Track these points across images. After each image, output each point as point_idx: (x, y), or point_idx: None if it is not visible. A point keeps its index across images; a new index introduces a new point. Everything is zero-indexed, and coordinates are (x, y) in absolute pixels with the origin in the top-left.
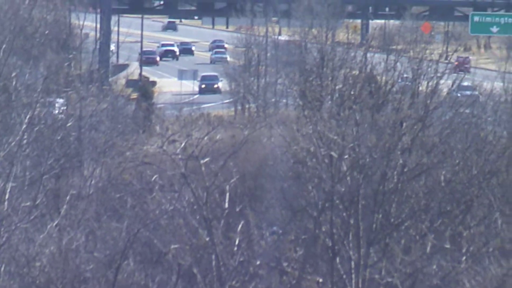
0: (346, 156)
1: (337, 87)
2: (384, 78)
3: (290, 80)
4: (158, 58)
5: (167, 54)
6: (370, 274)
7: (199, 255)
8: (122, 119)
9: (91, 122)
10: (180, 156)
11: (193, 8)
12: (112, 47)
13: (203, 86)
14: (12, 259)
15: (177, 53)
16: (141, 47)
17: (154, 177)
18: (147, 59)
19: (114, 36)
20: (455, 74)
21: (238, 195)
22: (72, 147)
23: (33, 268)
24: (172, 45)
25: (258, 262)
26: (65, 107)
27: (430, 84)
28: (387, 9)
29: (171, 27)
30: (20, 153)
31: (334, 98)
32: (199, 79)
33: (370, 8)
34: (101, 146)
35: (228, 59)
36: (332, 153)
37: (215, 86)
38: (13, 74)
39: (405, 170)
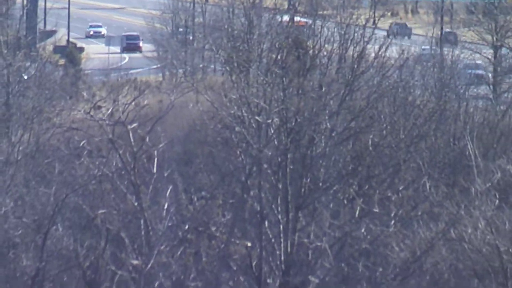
0: (273, 121)
1: (264, 53)
2: (310, 43)
3: (217, 46)
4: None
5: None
6: (298, 238)
7: (127, 220)
8: (49, 85)
9: (18, 88)
10: (107, 122)
11: None
12: None
13: (125, 45)
14: None
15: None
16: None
17: (81, 143)
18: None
19: (41, 3)
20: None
21: (166, 160)
22: None
23: None
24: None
25: (186, 227)
26: None
27: (357, 49)
28: None
29: None
30: None
31: (261, 63)
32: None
33: None
34: (28, 112)
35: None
36: (259, 118)
37: (138, 45)
38: None
39: (333, 134)
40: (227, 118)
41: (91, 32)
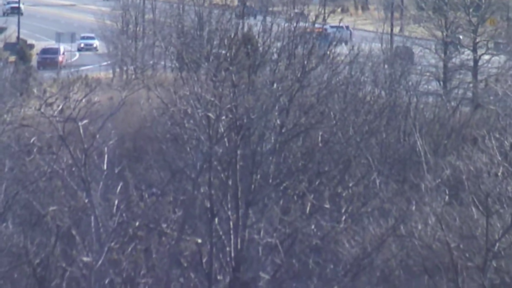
0: (223, 117)
1: (214, 49)
2: (261, 39)
3: (167, 42)
4: None
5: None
6: (249, 235)
7: (78, 217)
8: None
9: None
10: (58, 118)
11: None
12: None
13: (81, 45)
14: None
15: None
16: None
17: (32, 139)
18: None
19: None
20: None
21: (117, 157)
22: None
23: None
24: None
25: (137, 223)
26: None
27: (307, 45)
28: None
29: None
30: None
31: (211, 60)
32: (78, 41)
33: None
34: None
35: None
36: (210, 114)
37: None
38: None
39: (283, 130)
40: (177, 114)
41: (82, 45)
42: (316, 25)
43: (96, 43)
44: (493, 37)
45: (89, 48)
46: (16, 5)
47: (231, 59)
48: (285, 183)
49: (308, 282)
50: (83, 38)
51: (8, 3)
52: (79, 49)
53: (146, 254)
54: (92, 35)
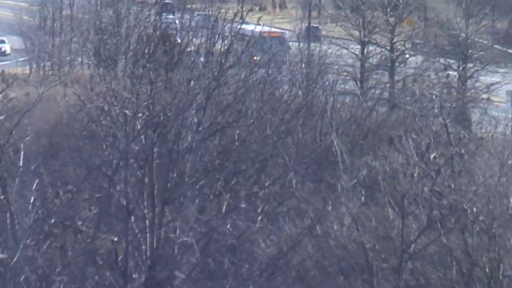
0: (140, 115)
1: (131, 46)
2: (178, 36)
3: (84, 39)
4: None
5: None
6: (164, 233)
7: None
8: None
9: None
10: None
11: None
12: None
13: None
14: None
15: None
16: None
17: None
18: None
19: None
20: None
21: (33, 153)
22: None
23: None
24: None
25: (52, 221)
26: None
27: (225, 43)
28: None
29: None
30: None
31: (129, 57)
32: None
33: None
34: None
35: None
36: (127, 111)
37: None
38: None
39: (200, 129)
40: (94, 111)
41: None
42: (273, 29)
43: (5, 47)
44: (411, 37)
45: None
46: (2, 45)
47: (149, 56)
48: (202, 181)
49: (223, 281)
50: None
51: None
52: None
53: (61, 251)
54: (3, 38)
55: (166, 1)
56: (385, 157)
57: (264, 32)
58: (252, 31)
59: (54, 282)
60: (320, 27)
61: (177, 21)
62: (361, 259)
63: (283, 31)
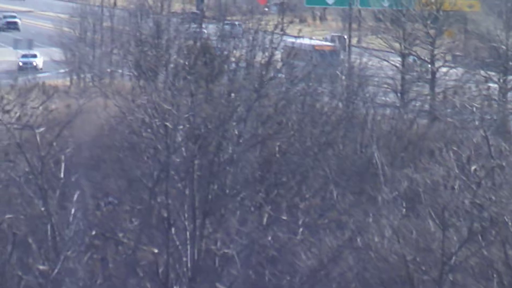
0: (181, 127)
1: (172, 58)
2: (219, 48)
3: (125, 51)
4: None
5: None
6: (205, 245)
7: (34, 225)
8: None
9: None
10: (15, 126)
11: None
12: None
13: (20, 64)
14: None
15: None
16: None
17: None
18: None
19: None
20: None
21: (74, 165)
22: None
23: None
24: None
25: (93, 232)
26: None
27: (265, 55)
28: None
29: None
30: None
31: (169, 69)
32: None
33: None
34: None
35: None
36: (167, 123)
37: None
38: None
39: (240, 140)
40: (135, 123)
41: (20, 64)
42: (328, 43)
43: (36, 61)
44: (451, 49)
45: (29, 67)
46: (34, 59)
47: (189, 68)
48: (243, 193)
49: None
50: (24, 56)
51: (23, 56)
52: (20, 69)
53: (102, 263)
54: (35, 52)
55: (194, 11)
56: (425, 169)
57: (317, 45)
58: (301, 43)
59: None
60: (345, 36)
61: (205, 31)
62: (402, 271)
63: (334, 44)
